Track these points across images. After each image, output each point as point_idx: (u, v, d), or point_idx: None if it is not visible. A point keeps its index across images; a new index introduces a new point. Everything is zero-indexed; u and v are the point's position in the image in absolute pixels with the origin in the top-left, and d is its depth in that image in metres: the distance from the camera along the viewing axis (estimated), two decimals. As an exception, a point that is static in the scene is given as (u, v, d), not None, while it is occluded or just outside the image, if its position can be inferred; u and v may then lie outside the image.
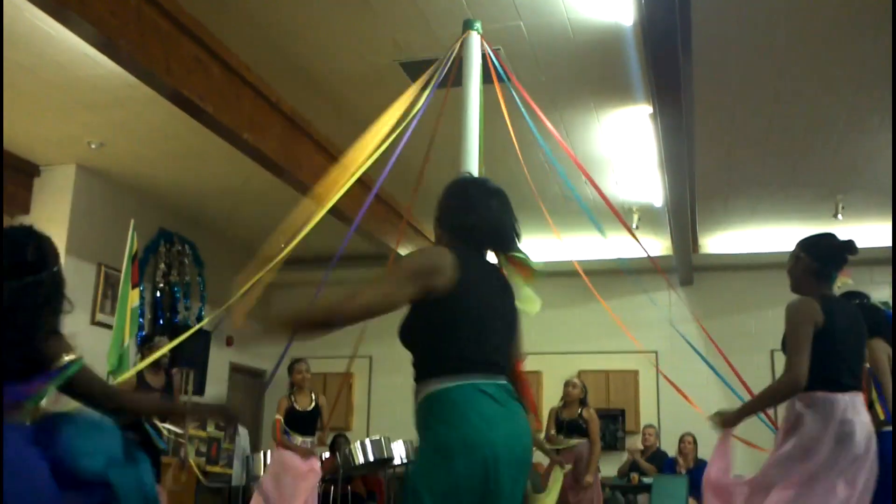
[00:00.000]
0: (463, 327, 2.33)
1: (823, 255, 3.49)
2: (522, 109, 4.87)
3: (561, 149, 7.61)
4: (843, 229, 9.35)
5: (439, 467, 2.22)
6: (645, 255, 10.45)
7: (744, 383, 4.93)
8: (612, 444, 10.46)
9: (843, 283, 3.56)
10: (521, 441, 2.34)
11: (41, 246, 2.81)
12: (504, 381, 2.37)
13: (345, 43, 5.82)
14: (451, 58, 3.53)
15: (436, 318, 2.35)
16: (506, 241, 2.52)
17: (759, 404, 3.54)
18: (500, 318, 2.43)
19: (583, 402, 7.35)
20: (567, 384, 7.49)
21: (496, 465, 2.22)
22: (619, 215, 5.31)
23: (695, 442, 9.17)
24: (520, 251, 2.54)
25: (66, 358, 2.63)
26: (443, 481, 2.20)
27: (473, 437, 2.22)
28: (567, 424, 7.24)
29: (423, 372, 2.38)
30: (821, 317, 3.32)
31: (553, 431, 7.32)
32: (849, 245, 3.48)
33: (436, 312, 2.35)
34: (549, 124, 5.13)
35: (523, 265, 2.53)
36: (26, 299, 2.68)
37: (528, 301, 2.51)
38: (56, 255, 2.84)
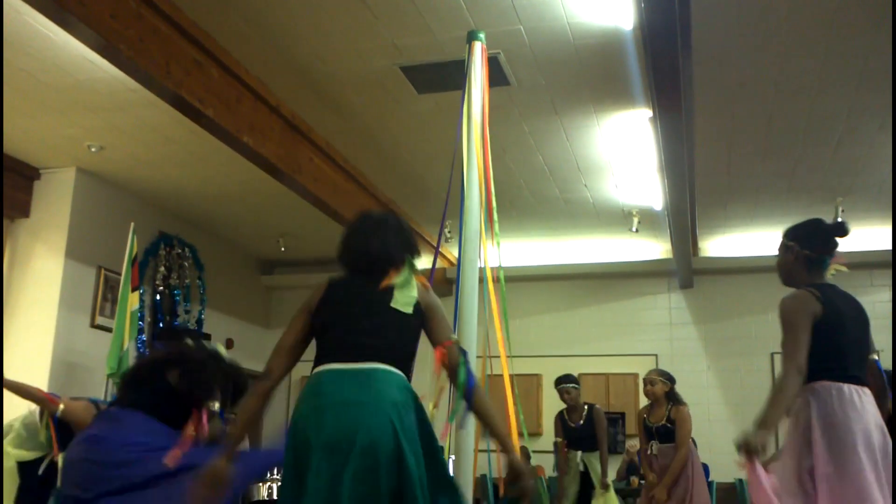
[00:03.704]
0: (324, 333, 2.77)
1: (814, 241, 3.31)
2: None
3: (562, 152, 7.63)
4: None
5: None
6: (645, 259, 10.53)
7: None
8: (613, 447, 10.42)
9: (837, 269, 3.34)
10: (335, 425, 2.49)
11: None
12: (360, 366, 2.62)
13: (345, 47, 5.82)
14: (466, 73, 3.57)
15: (317, 334, 2.84)
16: (371, 268, 2.91)
17: (773, 410, 3.08)
18: (363, 319, 2.76)
19: (671, 398, 6.10)
20: (645, 381, 6.31)
21: (304, 447, 2.51)
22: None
23: (694, 444, 9.15)
24: (396, 272, 2.88)
25: None
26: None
27: (293, 420, 2.61)
28: (657, 430, 6.12)
29: None
30: (819, 307, 3.12)
31: (643, 440, 6.34)
32: (840, 227, 3.32)
33: (316, 330, 2.85)
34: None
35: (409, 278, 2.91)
36: None
37: (402, 304, 2.79)
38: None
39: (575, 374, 10.67)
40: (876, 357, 3.68)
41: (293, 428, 2.59)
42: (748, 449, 2.97)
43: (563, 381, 7.13)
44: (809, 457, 3.01)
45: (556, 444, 7.03)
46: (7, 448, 5.11)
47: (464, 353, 2.79)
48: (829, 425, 3.01)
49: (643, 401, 10.59)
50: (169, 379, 3.56)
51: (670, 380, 6.17)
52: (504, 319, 3.55)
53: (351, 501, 2.39)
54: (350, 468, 2.42)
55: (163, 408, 3.48)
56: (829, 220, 3.41)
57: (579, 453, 6.88)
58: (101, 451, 3.31)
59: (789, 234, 3.41)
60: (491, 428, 2.67)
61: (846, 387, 3.06)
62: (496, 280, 3.47)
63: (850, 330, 3.18)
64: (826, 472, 2.95)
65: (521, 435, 3.34)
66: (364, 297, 2.85)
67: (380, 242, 2.98)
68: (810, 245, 3.31)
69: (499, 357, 3.45)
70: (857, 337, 3.22)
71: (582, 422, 6.92)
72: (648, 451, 6.20)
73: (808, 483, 2.99)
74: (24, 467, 5.14)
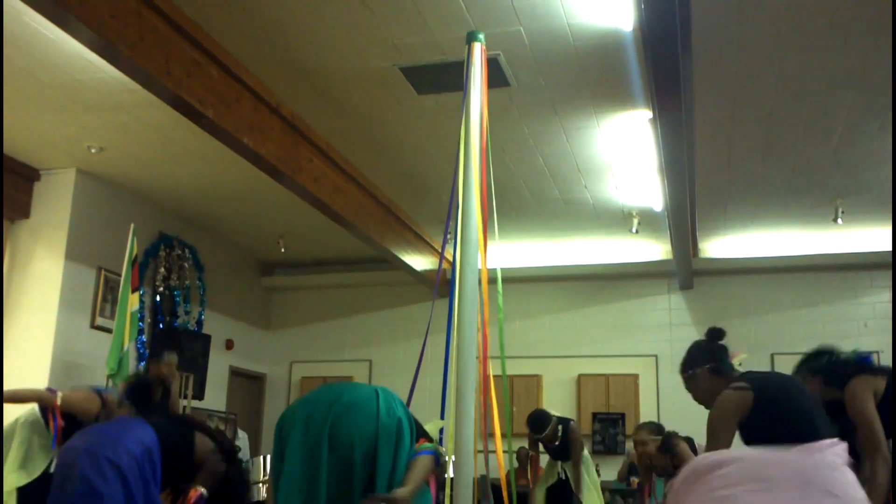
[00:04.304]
0: None
1: (705, 356, 3.30)
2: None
3: (561, 153, 7.63)
4: (843, 234, 9.44)
5: None
6: (644, 260, 10.53)
7: None
8: (612, 448, 10.45)
9: (740, 361, 3.32)
10: (312, 404, 2.88)
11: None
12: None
13: (345, 47, 5.82)
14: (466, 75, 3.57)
15: None
16: None
17: None
18: None
19: (665, 449, 5.71)
20: (636, 444, 5.98)
21: (289, 424, 2.88)
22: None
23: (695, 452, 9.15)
24: None
25: None
26: None
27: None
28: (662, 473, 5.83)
29: None
30: (749, 395, 2.95)
31: (643, 474, 6.17)
32: (716, 332, 3.36)
33: None
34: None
35: None
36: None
37: None
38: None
39: (574, 374, 10.79)
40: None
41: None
42: None
43: (533, 431, 6.93)
44: None
45: (524, 450, 7.07)
46: (7, 475, 4.99)
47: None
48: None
49: (643, 401, 10.70)
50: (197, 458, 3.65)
51: (660, 431, 5.92)
52: (500, 321, 3.53)
53: None
54: None
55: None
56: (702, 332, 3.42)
57: (559, 463, 6.93)
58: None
59: (685, 368, 3.36)
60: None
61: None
62: (493, 282, 3.47)
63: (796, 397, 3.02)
64: None
65: (503, 436, 3.34)
66: None
67: None
68: (706, 360, 3.30)
69: (495, 358, 3.43)
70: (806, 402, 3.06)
71: (557, 442, 6.86)
72: (649, 485, 6.14)
73: None
74: (24, 492, 5.06)
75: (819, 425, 2.89)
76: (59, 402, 4.92)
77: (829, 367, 3.72)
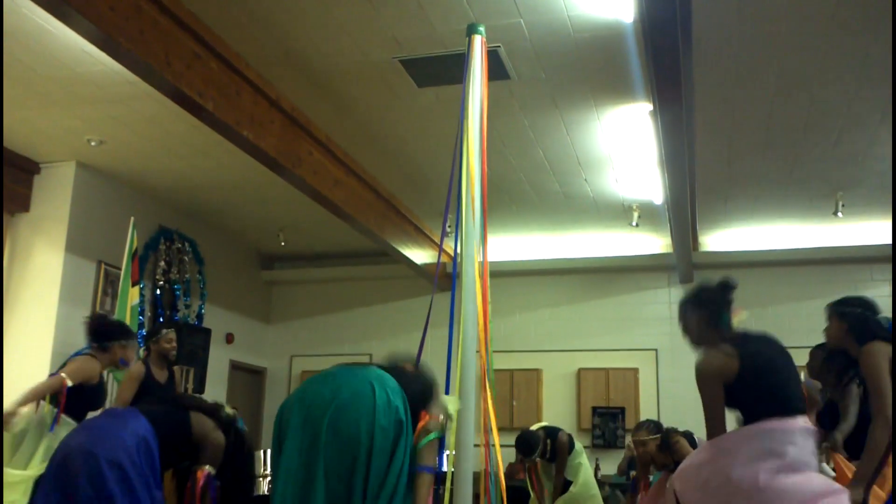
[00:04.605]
0: None
1: (706, 301, 3.34)
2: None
3: (562, 146, 7.62)
4: (843, 227, 9.44)
5: None
6: (645, 253, 10.53)
7: None
8: (612, 442, 10.46)
9: (739, 320, 3.35)
10: (311, 398, 2.90)
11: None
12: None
13: (345, 40, 5.81)
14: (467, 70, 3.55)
15: None
16: None
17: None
18: None
19: (665, 447, 5.81)
20: (636, 445, 6.11)
21: (287, 417, 2.91)
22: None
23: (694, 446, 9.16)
24: None
25: None
26: None
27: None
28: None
29: None
30: (735, 363, 3.06)
31: (640, 469, 6.30)
32: (726, 285, 3.38)
33: None
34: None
35: None
36: None
37: None
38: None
39: (574, 368, 10.79)
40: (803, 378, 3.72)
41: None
42: None
43: (524, 455, 6.98)
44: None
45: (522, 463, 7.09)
46: (34, 468, 4.92)
47: None
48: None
49: (643, 396, 10.69)
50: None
51: (658, 429, 6.01)
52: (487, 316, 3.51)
53: None
54: None
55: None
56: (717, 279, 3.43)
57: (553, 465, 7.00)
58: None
59: (682, 304, 3.42)
60: None
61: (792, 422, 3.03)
62: (493, 275, 3.47)
63: (781, 368, 3.12)
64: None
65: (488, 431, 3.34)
66: None
67: None
68: (705, 305, 3.34)
69: (500, 352, 3.45)
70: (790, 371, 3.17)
71: (548, 456, 6.95)
72: (645, 481, 6.16)
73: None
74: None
75: (797, 400, 3.06)
76: (68, 381, 4.92)
77: (862, 319, 3.68)
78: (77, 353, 5.29)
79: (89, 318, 5.71)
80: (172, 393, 5.92)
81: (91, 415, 4.88)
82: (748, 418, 3.02)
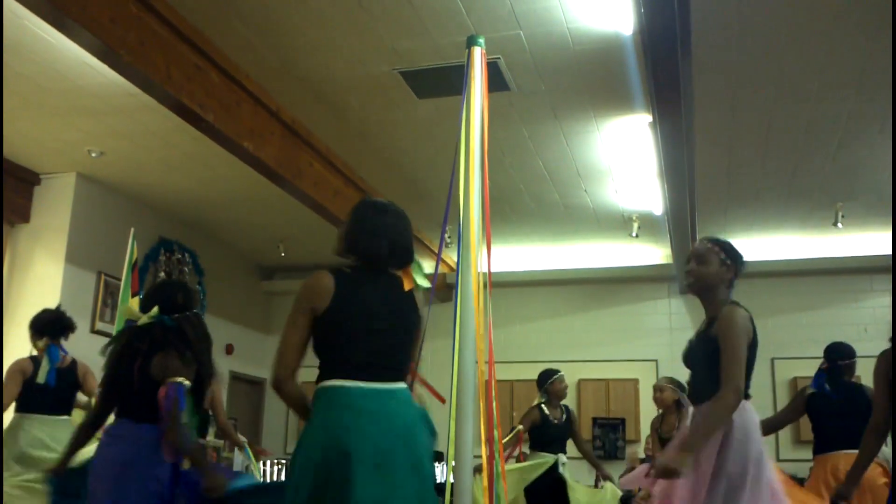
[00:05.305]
0: (337, 339, 2.66)
1: (740, 266, 3.33)
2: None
3: (561, 157, 7.63)
4: (843, 237, 9.44)
5: (294, 458, 2.62)
6: (645, 264, 10.53)
7: None
8: (613, 453, 10.43)
9: None
10: (381, 438, 2.55)
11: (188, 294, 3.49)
12: (382, 385, 2.65)
13: (345, 51, 5.83)
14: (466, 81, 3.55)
15: (319, 334, 2.69)
16: (395, 259, 2.82)
17: (708, 430, 2.96)
18: (383, 327, 2.70)
19: (681, 406, 5.76)
20: (654, 389, 6.16)
21: (343, 460, 2.48)
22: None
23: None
24: (414, 263, 2.89)
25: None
26: (294, 471, 2.59)
27: (313, 437, 2.57)
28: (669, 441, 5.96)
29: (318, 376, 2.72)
30: (752, 333, 3.13)
31: (655, 450, 6.09)
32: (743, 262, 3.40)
33: (319, 328, 2.69)
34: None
35: (415, 275, 2.87)
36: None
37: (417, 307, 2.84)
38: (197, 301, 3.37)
39: (574, 379, 10.75)
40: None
41: (322, 440, 2.55)
42: (667, 473, 2.87)
43: (554, 373, 6.61)
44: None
45: (517, 431, 6.30)
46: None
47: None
48: (748, 438, 3.00)
49: (643, 407, 10.66)
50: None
51: (680, 387, 5.89)
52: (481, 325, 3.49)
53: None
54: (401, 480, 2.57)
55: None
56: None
57: (562, 456, 6.17)
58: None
59: (726, 248, 3.36)
60: None
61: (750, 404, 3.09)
62: (493, 285, 3.46)
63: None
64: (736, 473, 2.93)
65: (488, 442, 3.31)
66: (380, 298, 2.75)
67: (402, 237, 2.87)
68: (738, 268, 3.33)
69: (500, 363, 3.43)
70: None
71: (564, 418, 6.39)
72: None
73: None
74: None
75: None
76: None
77: None
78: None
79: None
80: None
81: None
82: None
